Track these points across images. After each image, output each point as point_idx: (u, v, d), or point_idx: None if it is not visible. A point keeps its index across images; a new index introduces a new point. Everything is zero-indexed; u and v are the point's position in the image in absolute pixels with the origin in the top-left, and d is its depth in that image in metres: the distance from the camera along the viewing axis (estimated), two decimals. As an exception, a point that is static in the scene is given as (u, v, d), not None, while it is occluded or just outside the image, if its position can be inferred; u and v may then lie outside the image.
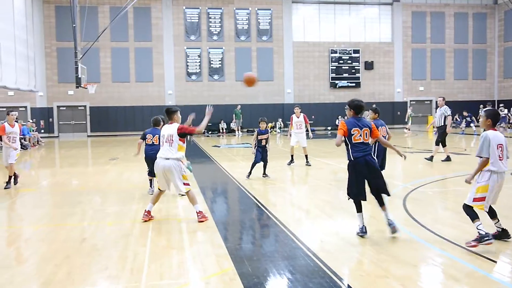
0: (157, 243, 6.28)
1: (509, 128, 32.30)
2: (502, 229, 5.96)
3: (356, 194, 6.31)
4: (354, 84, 37.88)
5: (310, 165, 14.02)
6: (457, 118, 33.42)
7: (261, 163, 11.97)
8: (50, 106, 34.42)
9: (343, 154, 6.65)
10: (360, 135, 6.28)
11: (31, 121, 30.07)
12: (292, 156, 14.45)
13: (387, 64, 38.64)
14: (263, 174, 12.03)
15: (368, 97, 37.13)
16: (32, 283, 4.95)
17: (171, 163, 7.26)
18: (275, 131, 34.50)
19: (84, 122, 34.88)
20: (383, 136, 9.53)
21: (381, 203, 6.37)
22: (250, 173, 11.91)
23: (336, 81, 37.68)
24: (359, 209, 6.41)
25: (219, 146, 22.58)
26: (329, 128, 36.60)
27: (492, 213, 5.90)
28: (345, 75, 37.80)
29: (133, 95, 35.04)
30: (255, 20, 36.36)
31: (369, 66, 37.97)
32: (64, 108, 34.61)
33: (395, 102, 38.70)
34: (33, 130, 26.91)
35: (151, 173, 9.62)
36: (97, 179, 12.67)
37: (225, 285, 4.73)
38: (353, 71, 37.88)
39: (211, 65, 35.95)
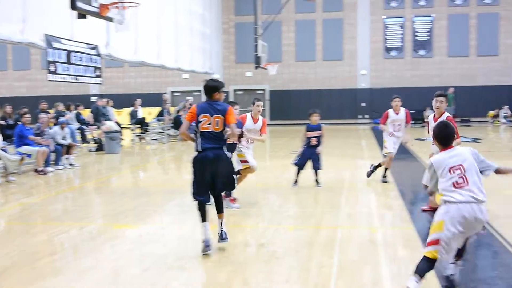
0: (347, 256, 6.38)
1: None
2: None
3: (197, 194, 6.45)
4: None
5: None
6: None
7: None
8: (226, 90, 36.79)
9: None
10: (210, 123, 6.32)
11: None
12: (384, 168, 11.84)
13: None
14: (316, 182, 11.08)
15: None
16: (206, 289, 5.40)
17: None
18: (498, 121, 32.28)
19: (263, 108, 36.46)
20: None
21: (219, 210, 6.61)
22: (296, 181, 11.12)
23: None
24: (203, 217, 6.46)
25: (423, 139, 21.94)
26: None
27: None
28: None
29: (319, 76, 35.76)
30: (475, -23, 34.40)
31: None
32: (241, 92, 36.75)
33: None
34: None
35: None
36: (276, 175, 13.22)
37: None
38: None
39: (416, 38, 35.01)
